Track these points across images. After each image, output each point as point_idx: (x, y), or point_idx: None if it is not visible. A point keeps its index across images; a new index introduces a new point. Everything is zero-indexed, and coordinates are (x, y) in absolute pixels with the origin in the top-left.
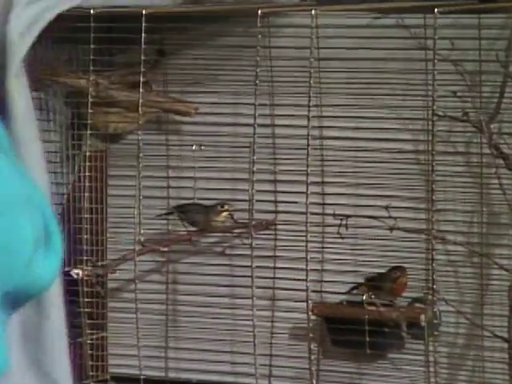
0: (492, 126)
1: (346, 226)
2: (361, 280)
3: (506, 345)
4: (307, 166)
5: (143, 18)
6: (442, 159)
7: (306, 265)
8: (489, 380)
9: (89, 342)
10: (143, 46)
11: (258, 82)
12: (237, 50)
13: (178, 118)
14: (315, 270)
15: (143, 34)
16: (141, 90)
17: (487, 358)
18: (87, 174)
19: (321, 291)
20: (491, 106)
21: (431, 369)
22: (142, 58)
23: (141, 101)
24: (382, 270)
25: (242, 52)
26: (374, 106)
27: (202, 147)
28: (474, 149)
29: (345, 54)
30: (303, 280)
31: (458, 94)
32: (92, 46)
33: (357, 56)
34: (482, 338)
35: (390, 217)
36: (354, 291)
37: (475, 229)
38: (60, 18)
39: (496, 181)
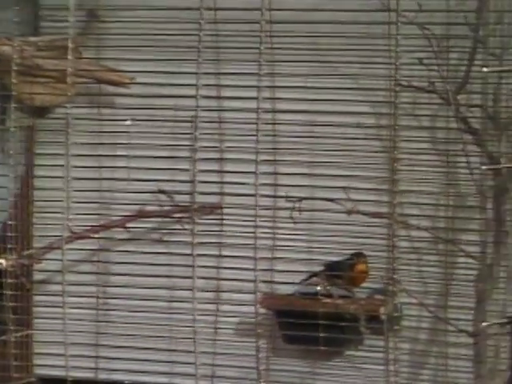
0: (459, 98)
1: (300, 210)
2: (316, 269)
3: (470, 340)
4: (257, 142)
5: None
6: (406, 135)
7: (255, 253)
8: (452, 380)
9: (13, 339)
10: (72, 8)
11: (201, 47)
12: (178, 12)
13: (111, 89)
14: (265, 258)
15: None
16: (69, 58)
17: (451, 355)
18: (11, 152)
19: (271, 282)
20: (460, 75)
21: (391, 367)
22: (71, 20)
23: (70, 70)
24: (340, 258)
25: (184, 14)
26: (331, 74)
27: (138, 122)
28: (441, 123)
29: (300, 16)
30: (251, 269)
31: (424, 61)
32: (16, 8)
33: (313, 19)
34: (445, 333)
35: (348, 199)
36: (309, 281)
37: (441, 212)
38: None
39: (463, 159)
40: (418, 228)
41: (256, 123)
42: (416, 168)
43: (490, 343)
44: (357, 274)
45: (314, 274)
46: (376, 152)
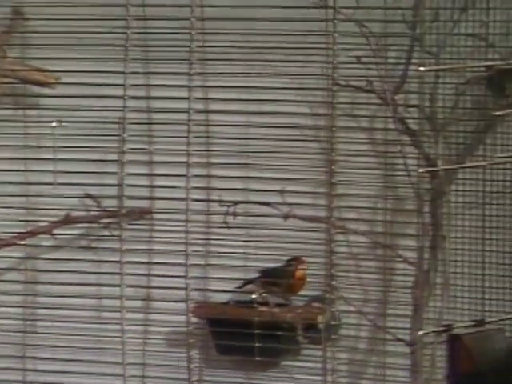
0: (397, 98)
1: (234, 214)
2: (251, 276)
3: (408, 349)
4: (188, 144)
5: None
6: (344, 136)
7: (186, 259)
8: None
9: None
10: None
11: (128, 46)
12: (105, 9)
13: (37, 89)
14: (197, 265)
15: None
16: None
17: (389, 364)
18: None
19: (204, 289)
20: (397, 74)
21: (329, 378)
22: None
23: None
24: (277, 265)
25: (111, 11)
26: (267, 74)
27: (64, 123)
28: (379, 124)
29: (233, 13)
30: (183, 277)
31: (362, 59)
32: None
33: (247, 15)
34: (384, 342)
35: (284, 203)
36: (244, 288)
37: (379, 216)
38: None
39: (401, 161)
40: (356, 233)
41: (187, 124)
42: (354, 170)
43: (426, 352)
44: (295, 281)
45: (249, 281)
46: (313, 154)
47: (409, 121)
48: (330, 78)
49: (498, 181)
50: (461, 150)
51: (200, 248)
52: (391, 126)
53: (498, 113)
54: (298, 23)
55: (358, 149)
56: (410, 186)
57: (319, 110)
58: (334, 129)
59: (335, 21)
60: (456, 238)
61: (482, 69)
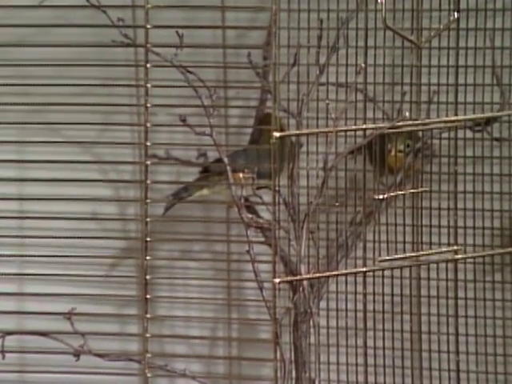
0: (242, 176)
1: (3, 351)
2: None
3: None
4: None
5: None
6: (163, 231)
7: None
8: None
9: None
10: None
11: None
12: None
13: None
14: None
15: None
16: None
17: None
18: None
19: None
20: (244, 140)
21: None
22: None
23: None
24: None
25: None
26: (49, 141)
27: None
28: (218, 212)
29: (3, 53)
30: None
31: (189, 120)
32: None
33: (22, 57)
34: None
35: (76, 332)
36: None
37: (219, 350)
38: None
39: (249, 266)
40: (185, 376)
41: None
42: (177, 282)
43: None
44: None
45: None
46: (122, 259)
47: (260, 208)
48: (142, 147)
49: (385, 295)
50: (333, 251)
51: None
52: (234, 215)
53: (380, 196)
54: (96, 68)
55: (185, 249)
56: (263, 303)
57: (129, 192)
58: (147, 220)
59: (148, 65)
60: (329, 381)
61: (361, 133)
